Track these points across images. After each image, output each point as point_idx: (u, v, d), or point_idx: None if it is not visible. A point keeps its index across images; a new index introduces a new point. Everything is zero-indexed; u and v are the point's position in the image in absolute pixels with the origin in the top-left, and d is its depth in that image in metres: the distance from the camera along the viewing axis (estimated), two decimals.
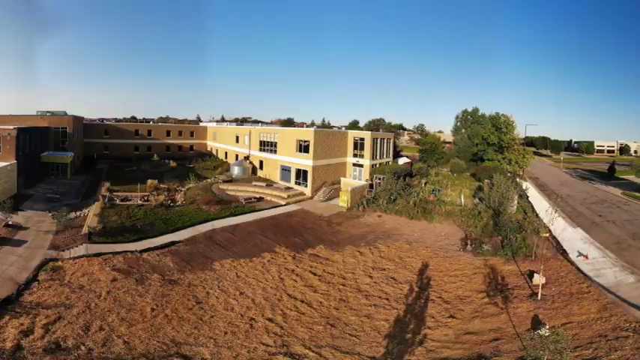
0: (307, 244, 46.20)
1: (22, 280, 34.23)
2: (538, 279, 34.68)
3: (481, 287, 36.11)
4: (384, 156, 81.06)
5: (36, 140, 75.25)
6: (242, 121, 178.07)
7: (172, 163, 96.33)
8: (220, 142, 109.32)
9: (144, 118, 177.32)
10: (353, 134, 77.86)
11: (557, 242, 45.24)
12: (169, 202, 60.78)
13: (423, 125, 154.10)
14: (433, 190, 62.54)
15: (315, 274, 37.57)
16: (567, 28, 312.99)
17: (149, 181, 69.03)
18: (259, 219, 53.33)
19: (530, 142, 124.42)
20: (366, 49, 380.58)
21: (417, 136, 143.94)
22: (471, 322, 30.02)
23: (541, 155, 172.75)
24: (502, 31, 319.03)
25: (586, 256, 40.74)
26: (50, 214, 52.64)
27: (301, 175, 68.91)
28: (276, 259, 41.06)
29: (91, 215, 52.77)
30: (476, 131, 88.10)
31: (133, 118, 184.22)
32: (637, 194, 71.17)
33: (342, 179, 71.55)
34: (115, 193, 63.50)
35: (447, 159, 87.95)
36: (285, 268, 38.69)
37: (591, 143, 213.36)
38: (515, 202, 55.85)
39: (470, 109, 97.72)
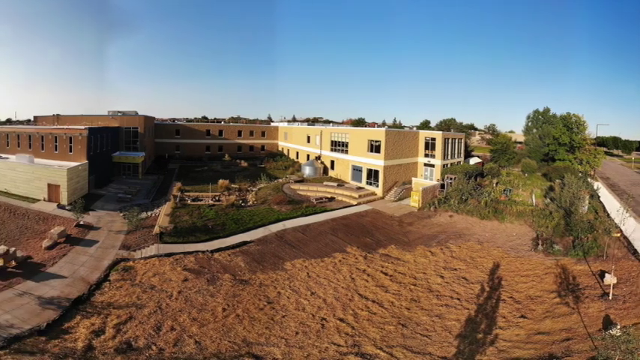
0: (378, 244, 48.96)
1: (93, 280, 37.57)
2: (609, 279, 36.62)
3: (552, 287, 38.07)
4: (455, 156, 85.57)
5: (107, 140, 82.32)
6: (313, 121, 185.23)
7: (243, 163, 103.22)
8: (291, 142, 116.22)
9: (215, 118, 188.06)
10: (424, 134, 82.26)
11: (629, 242, 46.14)
12: (240, 202, 64.26)
13: (494, 125, 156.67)
14: (504, 190, 66.59)
15: (386, 274, 39.90)
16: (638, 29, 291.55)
17: (220, 181, 73.63)
18: (330, 219, 56.41)
19: (601, 142, 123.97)
20: (437, 48, 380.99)
21: (488, 136, 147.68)
22: (542, 322, 31.64)
23: (612, 155, 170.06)
24: (574, 31, 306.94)
25: None
26: (121, 214, 57.65)
27: (372, 175, 73.41)
28: (347, 259, 43.57)
29: (162, 215, 56.75)
30: (547, 131, 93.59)
31: (205, 118, 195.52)
32: None
33: (414, 179, 75.73)
34: (186, 193, 67.79)
35: (518, 159, 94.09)
36: (356, 268, 41.04)
37: None
38: (587, 202, 58.24)
39: (541, 109, 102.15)
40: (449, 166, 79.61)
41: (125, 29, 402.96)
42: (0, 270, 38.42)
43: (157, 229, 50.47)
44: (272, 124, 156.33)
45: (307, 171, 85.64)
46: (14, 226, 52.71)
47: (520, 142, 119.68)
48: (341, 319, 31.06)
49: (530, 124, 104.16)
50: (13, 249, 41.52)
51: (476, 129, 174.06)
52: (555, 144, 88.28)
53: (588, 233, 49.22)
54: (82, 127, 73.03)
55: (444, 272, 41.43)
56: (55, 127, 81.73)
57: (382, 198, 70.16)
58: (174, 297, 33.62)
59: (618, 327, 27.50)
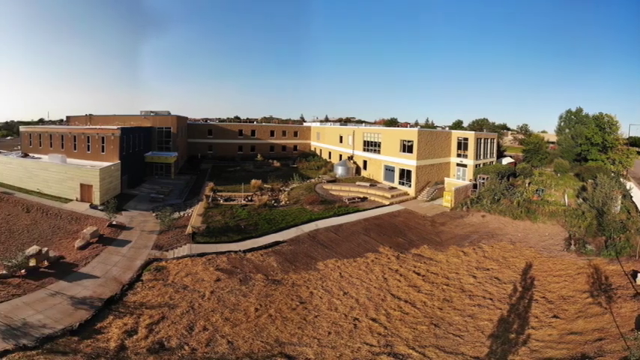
0: (411, 244, 50.31)
1: (125, 280, 38.27)
2: None
3: (585, 287, 38.45)
4: (488, 156, 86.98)
5: (140, 140, 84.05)
6: (345, 121, 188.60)
7: (276, 163, 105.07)
8: (324, 142, 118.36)
9: (247, 118, 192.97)
10: (457, 134, 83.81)
11: None
12: (273, 202, 65.13)
13: (526, 125, 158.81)
14: (537, 190, 67.88)
15: (418, 274, 40.93)
16: None
17: (253, 181, 74.85)
18: (363, 219, 57.52)
19: (633, 141, 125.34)
20: (471, 48, 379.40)
21: (520, 136, 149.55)
22: (575, 322, 32.02)
23: None
24: (607, 30, 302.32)
25: None
26: (154, 214, 58.76)
27: (405, 175, 75.33)
28: (379, 259, 44.63)
29: (194, 215, 57.53)
30: (579, 131, 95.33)
31: (237, 118, 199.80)
32: None
33: (446, 179, 77.26)
34: (218, 193, 68.65)
35: (551, 159, 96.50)
36: (388, 268, 42.13)
37: None
38: (619, 202, 58.94)
39: (573, 109, 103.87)
40: (481, 166, 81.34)
41: (158, 28, 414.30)
42: (32, 270, 39.41)
43: (189, 229, 51.26)
44: (304, 124, 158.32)
45: (340, 171, 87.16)
46: (47, 226, 54.15)
47: (552, 142, 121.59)
48: (373, 319, 31.64)
49: (562, 124, 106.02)
50: (45, 249, 42.56)
51: (508, 129, 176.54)
52: (588, 144, 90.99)
53: (621, 233, 50.10)
54: (115, 127, 74.68)
55: (477, 272, 42.37)
56: (87, 127, 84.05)
57: (415, 198, 71.68)
58: (207, 297, 34.20)
59: None
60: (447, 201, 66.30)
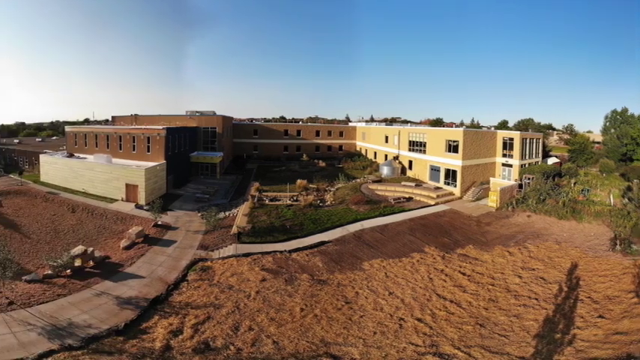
0: (456, 244, 51.13)
1: (171, 280, 39.06)
2: None
3: (630, 287, 38.25)
4: (533, 156, 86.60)
5: (185, 140, 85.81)
6: (391, 121, 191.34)
7: (321, 163, 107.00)
8: (369, 142, 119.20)
9: (293, 118, 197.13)
10: (502, 134, 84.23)
11: None
12: (318, 202, 65.64)
13: (572, 125, 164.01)
14: (582, 190, 68.91)
15: (464, 274, 41.57)
16: None
17: (298, 181, 75.63)
18: (408, 219, 58.49)
19: None
20: (517, 48, 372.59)
21: (566, 136, 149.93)
22: (620, 322, 31.90)
23: None
24: None
25: None
26: (199, 214, 59.80)
27: (450, 175, 76.55)
28: (425, 259, 45.54)
29: (240, 215, 58.34)
30: (625, 131, 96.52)
31: (282, 118, 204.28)
32: None
33: (492, 179, 77.52)
34: (264, 193, 69.35)
35: (596, 159, 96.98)
36: (434, 268, 42.90)
37: None
38: None
39: (619, 109, 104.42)
40: (527, 166, 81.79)
41: (203, 28, 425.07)
42: (78, 270, 40.78)
43: (234, 229, 51.99)
44: (350, 124, 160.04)
45: (385, 171, 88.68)
46: (92, 226, 55.97)
47: (598, 142, 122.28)
48: (419, 319, 32.13)
49: (608, 124, 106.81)
50: (91, 249, 44.00)
51: (554, 129, 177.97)
52: (633, 144, 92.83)
53: None
54: (160, 127, 76.52)
55: (522, 272, 42.78)
56: (133, 127, 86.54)
57: (460, 198, 72.63)
58: (252, 297, 34.72)
59: None
60: (492, 201, 67.29)
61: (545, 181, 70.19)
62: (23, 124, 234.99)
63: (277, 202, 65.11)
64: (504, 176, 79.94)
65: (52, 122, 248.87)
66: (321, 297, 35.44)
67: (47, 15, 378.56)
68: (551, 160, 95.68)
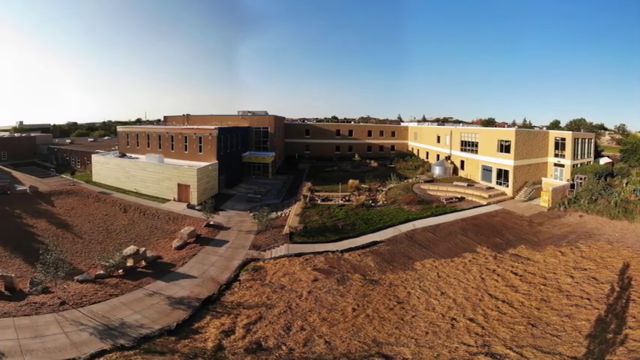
0: (508, 244, 51.55)
1: (223, 280, 39.68)
2: None
3: None
4: (585, 156, 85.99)
5: (237, 140, 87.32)
6: (443, 121, 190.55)
7: (373, 163, 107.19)
8: (421, 142, 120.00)
9: (345, 118, 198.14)
10: (554, 134, 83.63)
11: None
12: (370, 202, 65.99)
13: (624, 125, 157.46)
14: (634, 190, 67.41)
15: (516, 274, 41.80)
16: None
17: (350, 181, 76.11)
18: (460, 219, 59.27)
19: None
20: (568, 47, 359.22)
21: (618, 136, 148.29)
22: None
23: None
24: None
25: None
26: (251, 214, 60.58)
27: (502, 175, 77.57)
28: (477, 259, 45.99)
29: (292, 215, 58.76)
30: None
31: (334, 119, 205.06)
32: None
33: (543, 179, 77.35)
34: (316, 193, 69.70)
35: None
36: (486, 268, 43.30)
37: None
38: None
39: None
40: (578, 166, 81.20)
41: (256, 28, 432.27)
42: (130, 270, 41.98)
43: (286, 229, 52.37)
44: (402, 124, 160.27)
45: (437, 171, 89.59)
46: (144, 226, 57.72)
47: None
48: (471, 319, 32.32)
49: None
50: (143, 249, 45.30)
51: (606, 129, 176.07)
52: None
53: None
54: (212, 127, 78.10)
55: (574, 272, 42.71)
56: (185, 127, 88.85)
57: (512, 198, 73.36)
58: (304, 297, 34.94)
59: None
60: (544, 201, 67.68)
61: (597, 181, 70.89)
62: (75, 124, 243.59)
63: (329, 202, 65.53)
64: (556, 176, 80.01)
65: (104, 122, 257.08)
66: (373, 297, 35.72)
67: (103, 16, 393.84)
68: (603, 160, 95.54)
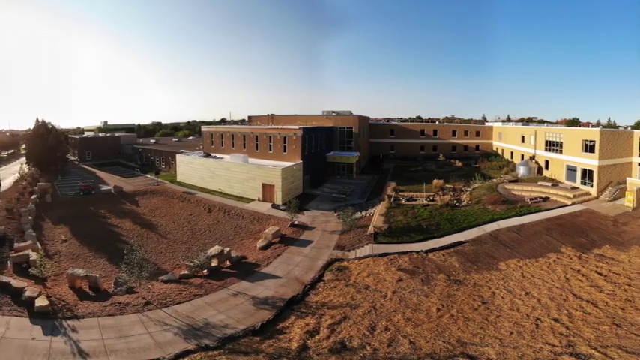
0: (592, 244, 50.64)
1: (307, 279, 40.20)
2: None
3: None
4: None
5: (321, 140, 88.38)
6: (527, 121, 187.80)
7: (458, 163, 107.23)
8: (505, 142, 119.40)
9: (429, 118, 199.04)
10: (639, 134, 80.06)
11: None
12: (455, 201, 65.36)
13: None
14: None
15: (600, 274, 41.08)
16: None
17: (435, 181, 75.49)
18: (545, 219, 58.60)
19: None
20: None
21: None
22: None
23: None
24: None
25: None
26: (336, 214, 61.01)
27: (586, 174, 76.70)
28: (561, 259, 45.57)
29: (376, 215, 58.68)
30: None
31: (419, 118, 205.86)
32: None
33: (628, 179, 74.72)
34: (400, 193, 69.43)
35: None
36: (570, 268, 42.83)
37: None
38: None
39: None
40: None
41: (341, 28, 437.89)
42: (214, 270, 43.32)
43: (371, 229, 52.44)
44: (486, 124, 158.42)
45: (521, 171, 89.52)
46: (229, 226, 59.49)
47: None
48: (555, 319, 32.04)
49: None
50: (227, 249, 46.58)
51: None
52: None
53: None
54: (297, 127, 79.53)
55: None
56: (269, 127, 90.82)
57: (596, 198, 72.30)
58: (389, 297, 34.88)
59: None
60: (629, 201, 66.23)
61: None
62: (160, 124, 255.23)
63: (413, 202, 65.40)
64: None
65: (188, 122, 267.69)
66: (457, 297, 35.85)
67: (188, 16, 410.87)
68: None
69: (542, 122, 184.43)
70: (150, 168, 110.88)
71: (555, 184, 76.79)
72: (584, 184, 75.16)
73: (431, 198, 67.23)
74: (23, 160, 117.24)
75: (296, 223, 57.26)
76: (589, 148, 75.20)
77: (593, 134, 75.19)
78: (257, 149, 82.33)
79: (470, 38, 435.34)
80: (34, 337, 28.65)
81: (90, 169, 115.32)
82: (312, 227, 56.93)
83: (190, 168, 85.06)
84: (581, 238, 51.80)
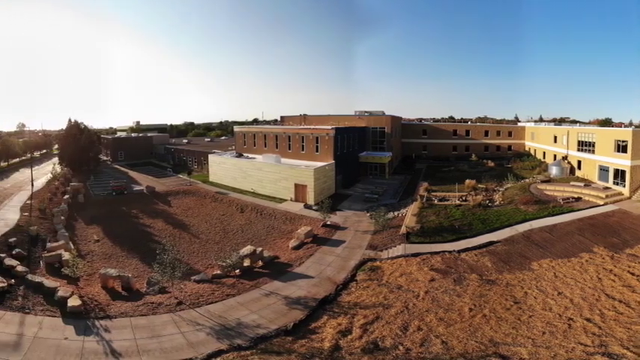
0: (625, 244, 49.86)
1: (339, 280, 40.43)
2: None
3: None
4: None
5: (354, 140, 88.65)
6: (560, 121, 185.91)
7: (490, 163, 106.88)
8: (538, 142, 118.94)
9: (462, 118, 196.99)
10: None
11: None
12: (487, 201, 65.15)
13: None
14: None
15: (633, 274, 40.46)
16: None
17: (467, 181, 75.34)
18: (577, 219, 58.28)
19: None
20: None
21: None
22: None
23: None
24: None
25: None
26: (368, 214, 61.13)
27: (619, 175, 75.55)
28: (594, 259, 45.09)
29: (408, 215, 58.71)
30: None
31: (451, 118, 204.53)
32: None
33: None
34: (432, 193, 69.32)
35: None
36: (603, 268, 42.35)
37: None
38: None
39: None
40: None
41: (374, 28, 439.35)
42: (247, 270, 43.81)
43: (403, 229, 52.54)
44: (519, 124, 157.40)
45: (554, 171, 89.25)
46: (261, 226, 60.13)
47: None
48: (588, 319, 31.80)
49: None
50: (260, 249, 47.12)
51: None
52: None
53: None
54: (329, 127, 79.93)
55: None
56: (301, 127, 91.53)
57: (629, 198, 70.82)
58: (421, 297, 34.92)
59: None
60: None
61: None
62: (192, 124, 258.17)
63: (446, 202, 65.40)
64: None
65: (220, 122, 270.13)
66: (489, 297, 35.83)
67: (222, 17, 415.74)
68: None
69: (574, 122, 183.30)
70: (182, 168, 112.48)
71: (588, 184, 76.68)
72: (617, 184, 74.89)
73: (463, 198, 67.11)
74: (56, 160, 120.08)
75: (328, 223, 57.61)
76: (621, 148, 74.73)
77: (626, 134, 74.71)
78: (289, 149, 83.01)
79: (501, 38, 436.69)
80: (66, 337, 29.27)
81: (122, 169, 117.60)
82: (344, 227, 57.19)
83: (223, 168, 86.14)
84: (614, 238, 51.32)
